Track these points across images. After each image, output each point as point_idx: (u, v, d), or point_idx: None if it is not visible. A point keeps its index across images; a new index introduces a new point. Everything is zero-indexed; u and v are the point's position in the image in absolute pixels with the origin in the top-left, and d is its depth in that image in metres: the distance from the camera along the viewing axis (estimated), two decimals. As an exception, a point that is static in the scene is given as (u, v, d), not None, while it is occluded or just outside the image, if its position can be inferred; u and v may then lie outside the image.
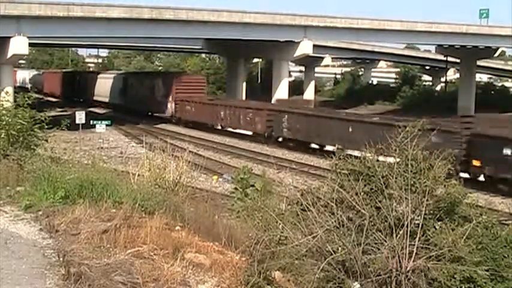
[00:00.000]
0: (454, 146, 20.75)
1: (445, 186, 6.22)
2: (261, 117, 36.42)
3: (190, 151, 15.74)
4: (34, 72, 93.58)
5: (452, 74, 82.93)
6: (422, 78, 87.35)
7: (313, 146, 32.58)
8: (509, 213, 17.36)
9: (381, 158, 6.50)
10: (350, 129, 29.43)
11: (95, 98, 61.68)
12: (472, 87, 62.64)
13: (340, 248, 5.75)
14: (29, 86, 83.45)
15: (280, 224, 6.21)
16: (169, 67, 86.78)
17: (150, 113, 49.52)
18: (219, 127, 41.21)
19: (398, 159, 6.20)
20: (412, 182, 6.00)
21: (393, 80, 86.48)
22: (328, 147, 28.97)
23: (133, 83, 54.05)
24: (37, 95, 50.57)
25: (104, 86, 59.42)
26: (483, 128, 24.20)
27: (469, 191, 6.54)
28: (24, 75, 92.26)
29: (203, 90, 47.41)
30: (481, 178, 22.77)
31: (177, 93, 45.29)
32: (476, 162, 22.92)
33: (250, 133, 37.63)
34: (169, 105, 46.17)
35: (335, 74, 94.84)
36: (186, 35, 45.94)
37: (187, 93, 44.69)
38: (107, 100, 58.74)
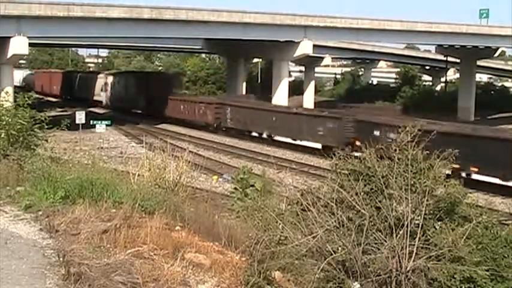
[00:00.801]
0: (345, 130, 30.00)
1: (445, 186, 6.23)
2: (210, 110, 42.45)
3: (190, 151, 15.73)
4: (27, 72, 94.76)
5: (452, 74, 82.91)
6: (422, 78, 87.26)
7: (254, 134, 38.10)
8: (509, 213, 17.37)
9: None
10: (274, 119, 35.64)
11: (76, 94, 69.08)
12: (472, 87, 62.60)
13: (340, 248, 5.75)
14: (22, 84, 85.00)
15: (280, 224, 6.21)
16: (169, 67, 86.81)
17: (126, 108, 55.01)
18: (181, 119, 46.37)
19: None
20: (412, 182, 6.00)
21: (393, 80, 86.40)
22: (265, 135, 36.30)
23: (114, 81, 59.65)
24: (37, 95, 50.68)
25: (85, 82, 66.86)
26: (364, 116, 31.82)
27: (469, 191, 6.55)
28: (19, 76, 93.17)
29: (174, 87, 54.02)
30: None
31: (148, 90, 50.87)
32: (357, 142, 26.76)
33: (203, 124, 43.36)
34: (143, 101, 52.29)
35: (335, 74, 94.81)
36: (186, 35, 45.93)
37: (158, 90, 49.52)
38: (80, 96, 66.40)
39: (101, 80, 62.50)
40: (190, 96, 52.63)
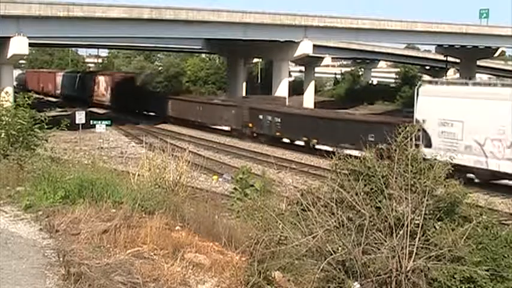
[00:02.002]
0: (242, 115, 38.69)
1: (445, 186, 6.23)
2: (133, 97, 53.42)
3: (190, 151, 15.73)
4: (19, 71, 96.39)
5: (452, 74, 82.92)
6: (423, 78, 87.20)
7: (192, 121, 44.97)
8: (509, 213, 17.36)
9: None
10: (200, 109, 44.07)
11: (58, 92, 77.79)
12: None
13: (340, 248, 5.75)
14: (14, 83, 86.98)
15: (280, 224, 6.21)
16: (169, 67, 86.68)
17: (95, 102, 62.62)
18: (136, 110, 53.79)
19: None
20: (412, 182, 6.00)
21: (393, 80, 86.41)
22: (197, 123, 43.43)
23: (83, 79, 69.02)
24: (37, 95, 50.94)
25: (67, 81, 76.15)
26: (255, 104, 39.43)
27: (469, 191, 6.55)
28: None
29: (133, 84, 61.05)
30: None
31: (112, 87, 58.98)
32: (250, 125, 38.06)
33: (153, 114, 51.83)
34: (108, 96, 60.46)
35: (335, 74, 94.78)
36: (186, 35, 45.92)
37: (119, 86, 57.87)
38: (67, 93, 74.29)
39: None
40: (204, 97, 56.34)
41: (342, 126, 31.44)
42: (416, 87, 27.40)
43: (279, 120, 35.46)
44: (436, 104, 25.08)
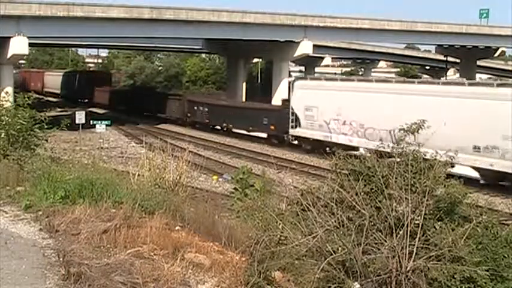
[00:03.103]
0: (182, 107, 45.94)
1: (445, 186, 6.23)
2: (104, 93, 61.93)
3: (190, 151, 15.73)
4: (14, 71, 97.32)
5: (452, 74, 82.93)
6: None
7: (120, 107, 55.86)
8: (509, 213, 17.36)
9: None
10: (153, 101, 51.97)
11: (46, 89, 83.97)
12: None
13: (340, 248, 5.75)
14: None
15: (280, 224, 6.21)
16: (169, 67, 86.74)
17: (79, 99, 68.46)
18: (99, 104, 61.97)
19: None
20: (412, 182, 6.00)
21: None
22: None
23: (68, 78, 76.04)
24: (37, 95, 51.20)
25: (51, 81, 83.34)
26: (192, 97, 48.73)
27: (469, 191, 6.54)
28: None
29: (109, 82, 70.03)
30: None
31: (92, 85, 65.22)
32: (189, 114, 44.86)
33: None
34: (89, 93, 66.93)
35: (335, 74, 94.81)
36: (186, 35, 45.92)
37: (96, 85, 64.40)
38: (51, 91, 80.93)
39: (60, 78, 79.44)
40: (105, 88, 64.59)
41: (247, 113, 39.04)
42: (291, 82, 35.78)
43: (207, 110, 43.13)
44: (303, 95, 32.97)
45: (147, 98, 52.95)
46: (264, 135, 36.93)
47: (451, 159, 6.77)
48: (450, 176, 6.38)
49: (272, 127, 35.74)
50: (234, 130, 39.44)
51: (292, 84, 34.81)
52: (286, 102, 34.99)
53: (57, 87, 78.25)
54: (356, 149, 27.07)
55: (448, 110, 23.58)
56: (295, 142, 33.79)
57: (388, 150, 6.45)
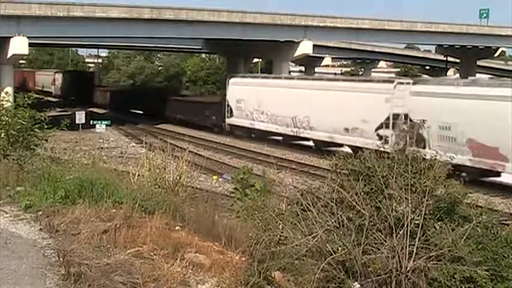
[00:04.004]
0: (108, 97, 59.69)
1: (445, 186, 6.22)
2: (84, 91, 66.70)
3: (190, 151, 15.73)
4: None
5: (452, 74, 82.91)
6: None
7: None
8: (509, 213, 17.37)
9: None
10: (98, 94, 64.21)
11: (37, 88, 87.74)
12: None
13: (340, 248, 5.75)
14: None
15: (280, 224, 6.21)
16: (169, 67, 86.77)
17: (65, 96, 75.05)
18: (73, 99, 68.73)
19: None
20: (412, 182, 6.00)
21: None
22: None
23: (55, 77, 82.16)
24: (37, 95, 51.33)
25: (41, 80, 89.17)
26: (114, 88, 62.90)
27: (469, 191, 6.54)
28: None
29: (92, 81, 73.80)
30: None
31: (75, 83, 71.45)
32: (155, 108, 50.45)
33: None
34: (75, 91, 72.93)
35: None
36: (186, 35, 45.92)
37: (81, 83, 69.37)
38: (41, 89, 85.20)
39: (50, 77, 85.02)
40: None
41: (194, 106, 45.42)
42: (227, 79, 41.95)
43: (165, 104, 49.20)
44: (235, 90, 39.82)
45: (97, 92, 62.98)
46: (208, 124, 42.89)
47: (451, 159, 6.79)
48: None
49: (213, 117, 42.21)
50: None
51: (228, 81, 41.46)
52: (224, 96, 41.48)
53: (47, 85, 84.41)
54: (273, 133, 35.89)
55: (329, 101, 31.11)
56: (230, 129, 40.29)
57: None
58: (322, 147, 30.13)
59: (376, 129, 27.92)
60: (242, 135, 38.27)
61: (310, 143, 33.75)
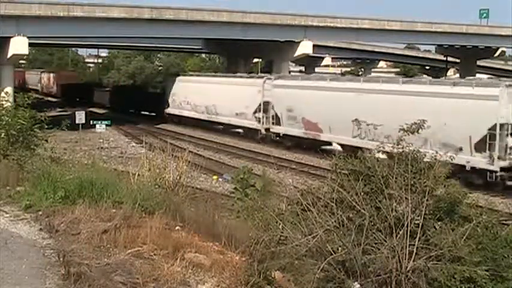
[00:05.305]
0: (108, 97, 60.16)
1: (445, 186, 6.23)
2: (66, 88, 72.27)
3: (190, 151, 15.72)
4: None
5: (452, 74, 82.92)
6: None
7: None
8: (509, 213, 17.36)
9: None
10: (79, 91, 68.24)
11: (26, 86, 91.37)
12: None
13: (340, 248, 5.75)
14: None
15: (280, 224, 6.21)
16: (169, 67, 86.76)
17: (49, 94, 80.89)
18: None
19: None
20: (412, 182, 6.00)
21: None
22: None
23: (40, 76, 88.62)
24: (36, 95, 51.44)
25: (29, 79, 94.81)
26: (118, 88, 65.03)
27: (469, 191, 6.54)
28: None
29: (76, 80, 78.19)
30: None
31: (59, 81, 76.93)
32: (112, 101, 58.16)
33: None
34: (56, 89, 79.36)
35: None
36: (186, 35, 45.91)
37: (65, 81, 74.47)
38: (30, 87, 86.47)
39: (37, 76, 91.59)
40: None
41: (140, 97, 53.31)
42: (177, 78, 49.56)
43: (115, 96, 57.77)
44: (181, 86, 47.16)
45: (90, 91, 65.72)
46: (153, 114, 50.58)
47: (451, 159, 6.80)
48: None
49: (155, 107, 50.10)
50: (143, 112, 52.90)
51: (175, 79, 49.56)
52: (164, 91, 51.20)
53: (35, 84, 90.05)
54: (195, 119, 43.53)
55: (227, 93, 39.82)
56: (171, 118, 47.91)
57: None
58: (228, 129, 40.21)
59: (254, 113, 37.35)
60: (178, 122, 46.30)
61: (220, 126, 42.32)
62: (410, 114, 26.29)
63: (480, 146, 22.79)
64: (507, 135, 22.56)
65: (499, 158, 22.48)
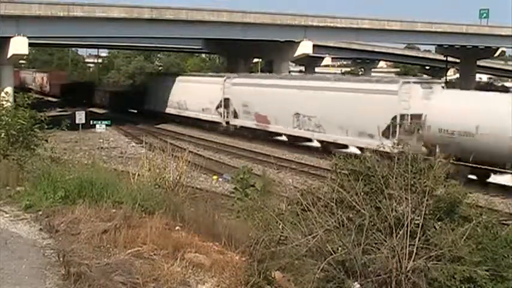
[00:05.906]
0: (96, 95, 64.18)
1: (445, 186, 6.22)
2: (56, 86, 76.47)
3: (190, 151, 15.72)
4: None
5: (452, 74, 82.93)
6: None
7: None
8: (509, 213, 17.35)
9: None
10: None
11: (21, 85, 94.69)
12: (471, 87, 62.54)
13: (340, 248, 5.75)
14: None
15: (280, 224, 6.21)
16: (169, 67, 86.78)
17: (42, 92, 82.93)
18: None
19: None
20: (412, 182, 5.99)
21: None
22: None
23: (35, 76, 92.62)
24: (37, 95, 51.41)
25: (24, 78, 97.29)
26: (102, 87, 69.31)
27: (469, 191, 6.54)
28: None
29: (66, 79, 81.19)
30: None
31: (51, 81, 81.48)
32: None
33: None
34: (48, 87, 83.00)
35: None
36: (186, 35, 45.94)
37: (57, 80, 78.48)
38: (25, 86, 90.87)
39: (31, 76, 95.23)
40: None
41: (111, 94, 60.14)
42: (155, 78, 56.48)
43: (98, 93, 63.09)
44: (160, 86, 50.73)
45: (82, 90, 67.89)
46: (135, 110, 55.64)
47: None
48: None
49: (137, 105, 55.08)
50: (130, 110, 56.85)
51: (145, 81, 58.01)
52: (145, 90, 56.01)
53: (29, 82, 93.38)
54: (171, 115, 47.61)
55: (195, 90, 44.16)
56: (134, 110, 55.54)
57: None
58: (196, 124, 43.48)
59: (216, 108, 41.40)
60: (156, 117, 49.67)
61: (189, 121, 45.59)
62: (335, 107, 31.20)
63: (386, 133, 26.31)
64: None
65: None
